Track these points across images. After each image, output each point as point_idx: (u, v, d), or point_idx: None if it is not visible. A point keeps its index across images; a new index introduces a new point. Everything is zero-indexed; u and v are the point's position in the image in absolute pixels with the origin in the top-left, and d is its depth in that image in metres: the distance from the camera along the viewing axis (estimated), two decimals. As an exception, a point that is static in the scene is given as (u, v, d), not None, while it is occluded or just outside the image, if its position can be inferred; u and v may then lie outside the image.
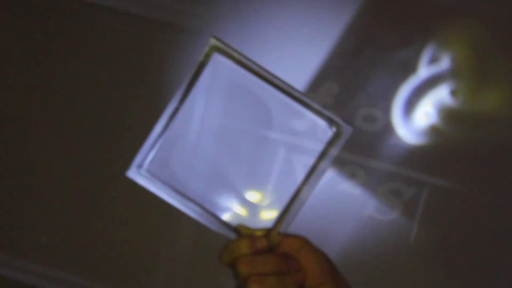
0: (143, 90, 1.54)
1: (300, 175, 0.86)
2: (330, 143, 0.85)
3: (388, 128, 1.50)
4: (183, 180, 0.86)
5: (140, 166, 0.86)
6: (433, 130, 1.50)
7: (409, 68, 1.50)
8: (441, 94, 1.49)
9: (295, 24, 1.51)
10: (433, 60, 1.50)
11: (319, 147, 0.85)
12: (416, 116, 1.50)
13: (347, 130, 0.85)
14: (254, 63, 0.85)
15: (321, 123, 0.85)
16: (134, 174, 0.86)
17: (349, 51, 1.51)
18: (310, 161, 0.86)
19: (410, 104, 1.50)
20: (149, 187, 0.86)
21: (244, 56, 0.85)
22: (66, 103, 1.55)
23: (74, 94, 1.55)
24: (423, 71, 1.50)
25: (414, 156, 1.51)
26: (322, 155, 0.86)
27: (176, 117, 0.86)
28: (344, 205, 1.52)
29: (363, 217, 1.52)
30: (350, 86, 1.51)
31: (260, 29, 1.52)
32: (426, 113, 1.50)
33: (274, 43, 1.51)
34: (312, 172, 0.86)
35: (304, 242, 0.85)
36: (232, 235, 0.86)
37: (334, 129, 0.85)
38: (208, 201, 0.86)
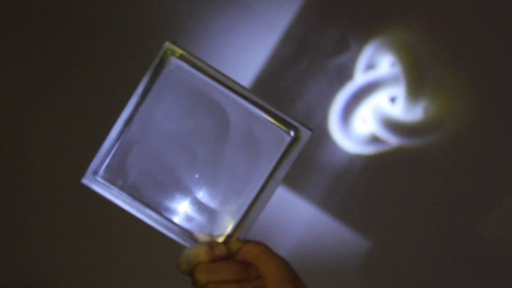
0: (97, 95, 1.54)
1: (259, 180, 0.88)
2: (289, 147, 0.88)
3: (325, 135, 1.54)
4: (139, 186, 0.88)
5: (95, 173, 0.88)
6: (373, 138, 1.54)
7: (346, 75, 1.54)
8: (380, 101, 1.53)
9: (234, 30, 1.53)
10: (370, 66, 1.54)
11: (277, 151, 0.88)
12: (355, 124, 1.54)
13: (305, 134, 0.88)
14: (210, 66, 0.87)
15: (280, 127, 0.87)
16: (90, 181, 0.88)
17: (285, 58, 1.54)
18: (268, 165, 0.88)
19: (348, 111, 1.53)
20: (105, 194, 0.88)
21: (200, 60, 0.87)
22: (19, 107, 1.54)
23: (27, 98, 1.54)
24: (360, 78, 1.54)
25: (354, 165, 1.54)
26: (281, 160, 0.88)
27: (132, 122, 0.87)
28: (283, 215, 1.54)
29: (303, 228, 1.55)
30: (287, 93, 1.54)
31: (205, 37, 1.54)
32: (365, 120, 1.53)
33: (215, 51, 1.53)
34: (270, 177, 0.88)
35: (263, 248, 0.87)
36: (190, 242, 0.88)
37: (292, 133, 0.88)
38: (166, 208, 0.88)
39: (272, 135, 0.87)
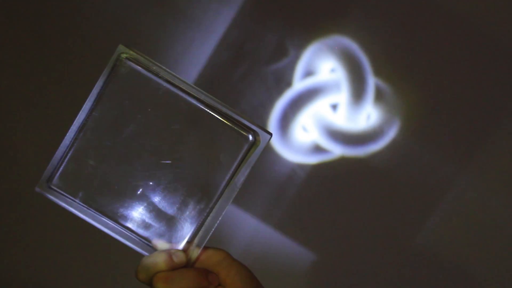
0: (51, 101, 1.53)
1: (218, 185, 0.90)
2: (248, 152, 0.90)
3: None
4: (95, 194, 0.89)
5: (49, 180, 0.89)
6: (315, 147, 1.58)
7: (285, 81, 1.57)
8: (321, 109, 1.56)
9: (172, 38, 1.55)
10: (310, 73, 1.57)
11: (236, 156, 0.90)
12: (295, 132, 1.57)
13: (264, 137, 0.90)
14: (166, 70, 0.89)
15: (237, 130, 0.90)
16: (43, 189, 0.89)
17: (222, 65, 1.56)
18: (227, 170, 0.90)
19: (288, 119, 1.56)
20: (59, 203, 0.89)
21: (155, 63, 0.89)
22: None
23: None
24: (299, 84, 1.57)
25: (296, 175, 1.57)
26: (240, 164, 0.91)
27: (86, 128, 0.89)
28: (224, 229, 1.57)
29: (246, 241, 1.57)
30: (224, 101, 1.56)
31: (144, 45, 1.56)
32: (306, 128, 1.56)
33: (154, 58, 1.55)
34: (229, 182, 0.91)
35: (224, 255, 0.89)
36: (149, 251, 0.90)
37: (251, 137, 0.90)
38: (122, 216, 0.89)
39: (230, 140, 0.89)
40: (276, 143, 1.55)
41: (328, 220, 1.56)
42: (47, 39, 1.54)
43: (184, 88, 0.88)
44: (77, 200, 0.88)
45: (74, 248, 1.55)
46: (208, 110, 0.89)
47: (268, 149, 1.54)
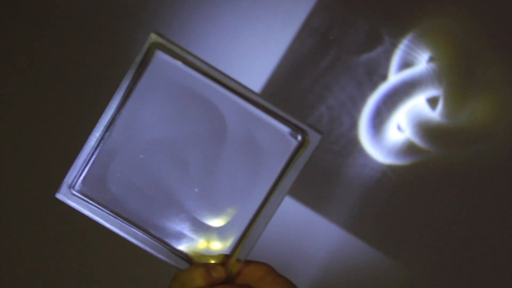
0: (74, 97, 1.56)
1: (262, 191, 0.89)
2: (296, 153, 0.89)
3: (354, 144, 1.55)
4: (123, 201, 0.90)
5: (71, 186, 0.90)
6: (409, 147, 1.55)
7: (378, 73, 1.55)
8: (417, 104, 1.54)
9: (246, 22, 1.55)
10: (406, 63, 1.55)
11: (282, 158, 0.89)
12: (388, 131, 1.55)
13: (314, 138, 0.89)
14: (203, 61, 0.89)
15: (285, 130, 0.89)
16: (65, 195, 0.90)
17: (305, 55, 1.55)
18: (272, 174, 0.89)
19: (381, 116, 1.54)
20: (83, 211, 0.90)
21: (192, 54, 0.89)
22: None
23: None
24: (394, 77, 1.54)
25: (387, 178, 1.55)
26: (286, 168, 0.90)
27: (113, 127, 0.89)
28: (306, 238, 1.56)
29: (329, 253, 1.56)
30: (307, 96, 1.56)
31: (205, 26, 1.56)
32: (400, 127, 1.54)
33: (223, 43, 1.55)
34: (275, 188, 0.90)
35: (267, 270, 0.89)
36: (184, 264, 0.90)
37: (300, 137, 0.89)
38: (154, 226, 0.90)
39: (276, 140, 0.89)
40: (366, 144, 1.53)
41: (424, 230, 1.54)
42: (67, 29, 1.56)
43: (224, 82, 0.88)
44: (102, 208, 0.89)
45: (99, 260, 1.56)
46: (251, 107, 0.88)
47: (357, 150, 1.52)
